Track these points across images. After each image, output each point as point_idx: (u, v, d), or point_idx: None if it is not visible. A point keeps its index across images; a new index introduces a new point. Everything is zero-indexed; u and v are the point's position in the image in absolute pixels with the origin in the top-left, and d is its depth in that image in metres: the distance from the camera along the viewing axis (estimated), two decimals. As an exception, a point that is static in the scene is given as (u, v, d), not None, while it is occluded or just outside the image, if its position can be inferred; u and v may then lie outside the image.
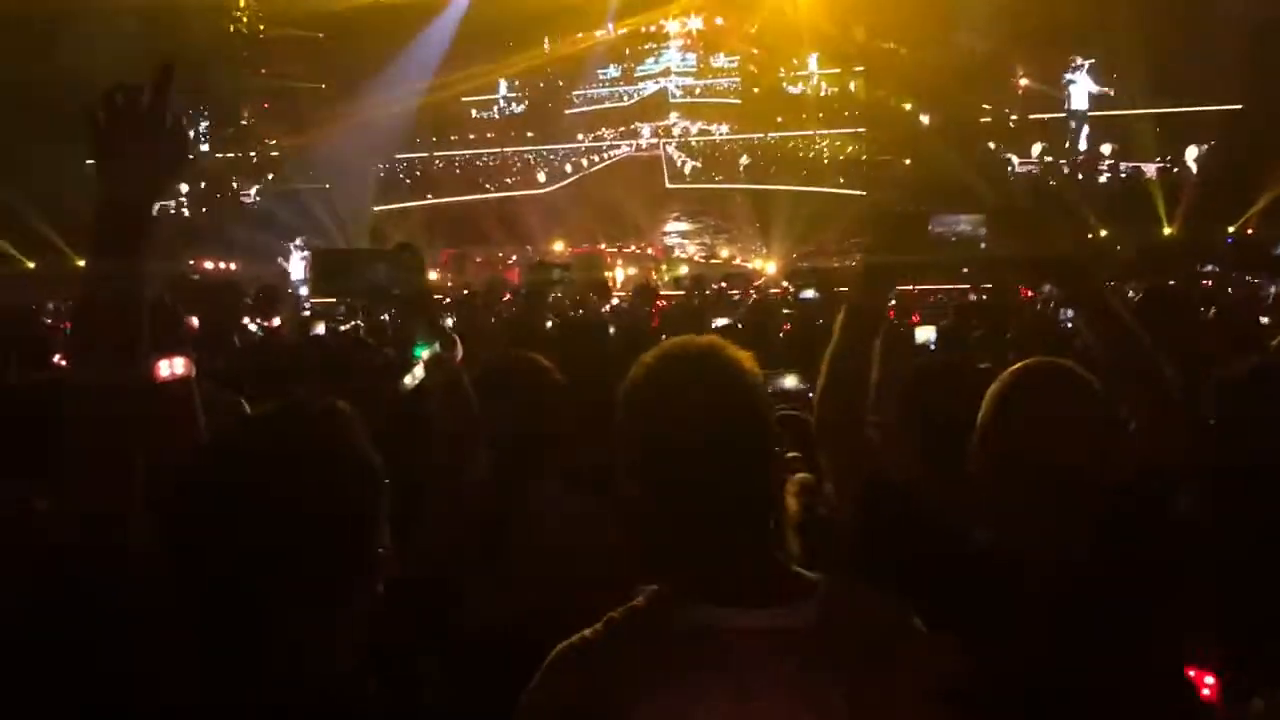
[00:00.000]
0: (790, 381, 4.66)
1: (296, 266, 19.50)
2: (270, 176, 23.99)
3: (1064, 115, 20.93)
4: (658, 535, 1.66)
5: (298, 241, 19.78)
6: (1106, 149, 20.94)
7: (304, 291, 17.53)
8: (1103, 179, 20.77)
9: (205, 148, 23.67)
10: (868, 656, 1.56)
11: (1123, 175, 20.63)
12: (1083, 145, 20.99)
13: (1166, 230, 18.63)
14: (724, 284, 14.00)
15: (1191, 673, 1.83)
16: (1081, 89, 20.64)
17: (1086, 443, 2.05)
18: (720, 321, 7.34)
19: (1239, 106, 19.40)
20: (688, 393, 1.63)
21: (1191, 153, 20.16)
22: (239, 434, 1.73)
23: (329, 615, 1.54)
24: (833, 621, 1.57)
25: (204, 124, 23.59)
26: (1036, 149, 21.30)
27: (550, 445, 2.86)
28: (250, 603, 1.52)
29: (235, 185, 24.22)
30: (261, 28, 23.53)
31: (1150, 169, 20.23)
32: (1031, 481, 2.05)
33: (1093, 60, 20.45)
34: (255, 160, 24.31)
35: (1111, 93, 20.55)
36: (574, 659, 1.59)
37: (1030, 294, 9.48)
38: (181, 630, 1.57)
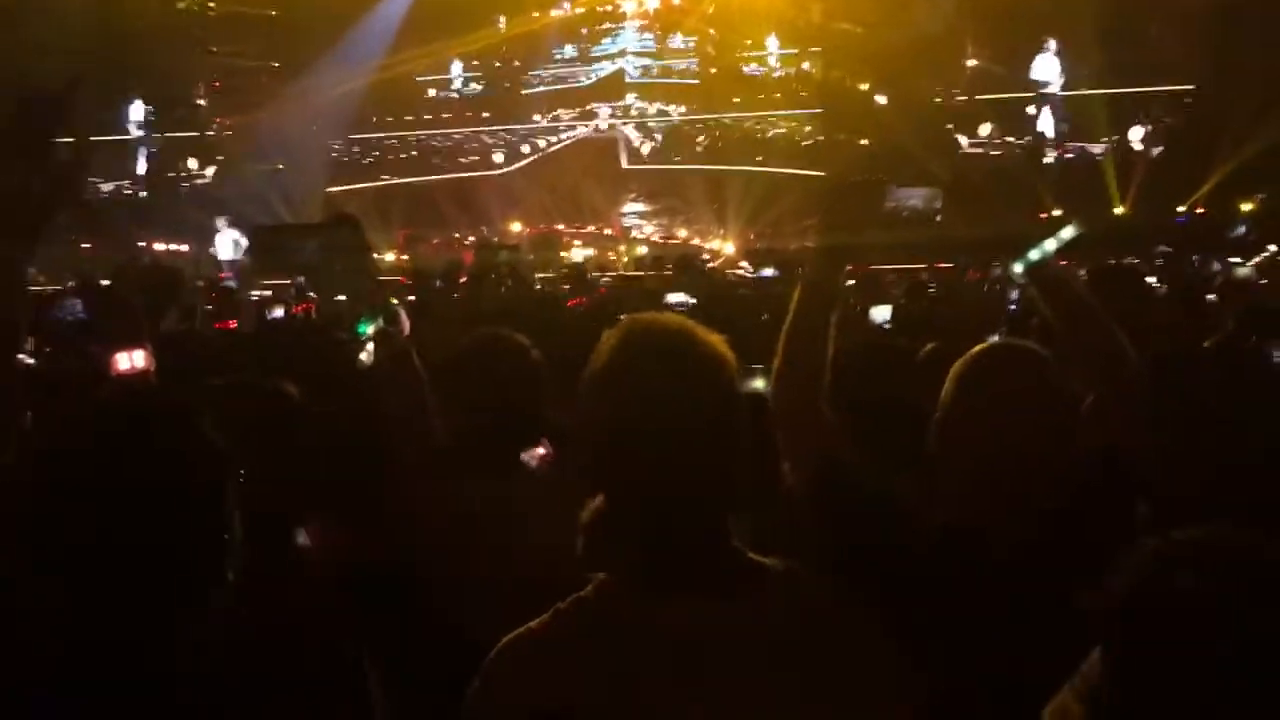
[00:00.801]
0: (760, 383, 4.61)
1: (224, 247, 18.96)
2: (221, 157, 23.58)
3: (1031, 96, 20.89)
4: (615, 519, 1.62)
5: (221, 221, 19.26)
6: (1050, 129, 21.05)
7: (229, 271, 17.25)
8: (1049, 158, 20.88)
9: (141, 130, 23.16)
10: (822, 647, 1.55)
11: (1070, 156, 20.77)
12: (1050, 126, 20.97)
13: (1118, 210, 18.84)
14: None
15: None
16: (1052, 70, 20.61)
17: (1046, 422, 2.06)
18: (676, 298, 7.28)
19: (1191, 87, 19.65)
20: (655, 375, 1.57)
21: (1136, 133, 20.33)
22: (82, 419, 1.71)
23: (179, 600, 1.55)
24: (787, 611, 1.56)
25: (147, 106, 23.10)
26: (985, 129, 21.35)
27: (537, 431, 2.79)
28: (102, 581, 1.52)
29: (187, 166, 23.82)
30: (211, 5, 23.13)
31: (1098, 148, 20.41)
32: (991, 460, 2.06)
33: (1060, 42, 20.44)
34: (207, 140, 23.90)
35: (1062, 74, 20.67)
36: (519, 653, 1.56)
37: (979, 274, 9.54)
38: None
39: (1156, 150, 19.99)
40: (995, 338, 4.13)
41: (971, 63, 21.56)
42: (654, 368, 1.58)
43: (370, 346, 2.69)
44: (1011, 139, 21.30)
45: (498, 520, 2.55)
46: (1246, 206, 17.35)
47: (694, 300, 7.21)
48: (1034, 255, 2.27)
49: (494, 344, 2.85)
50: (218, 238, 19.11)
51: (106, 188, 22.61)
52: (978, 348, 2.21)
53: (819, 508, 2.19)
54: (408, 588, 2.53)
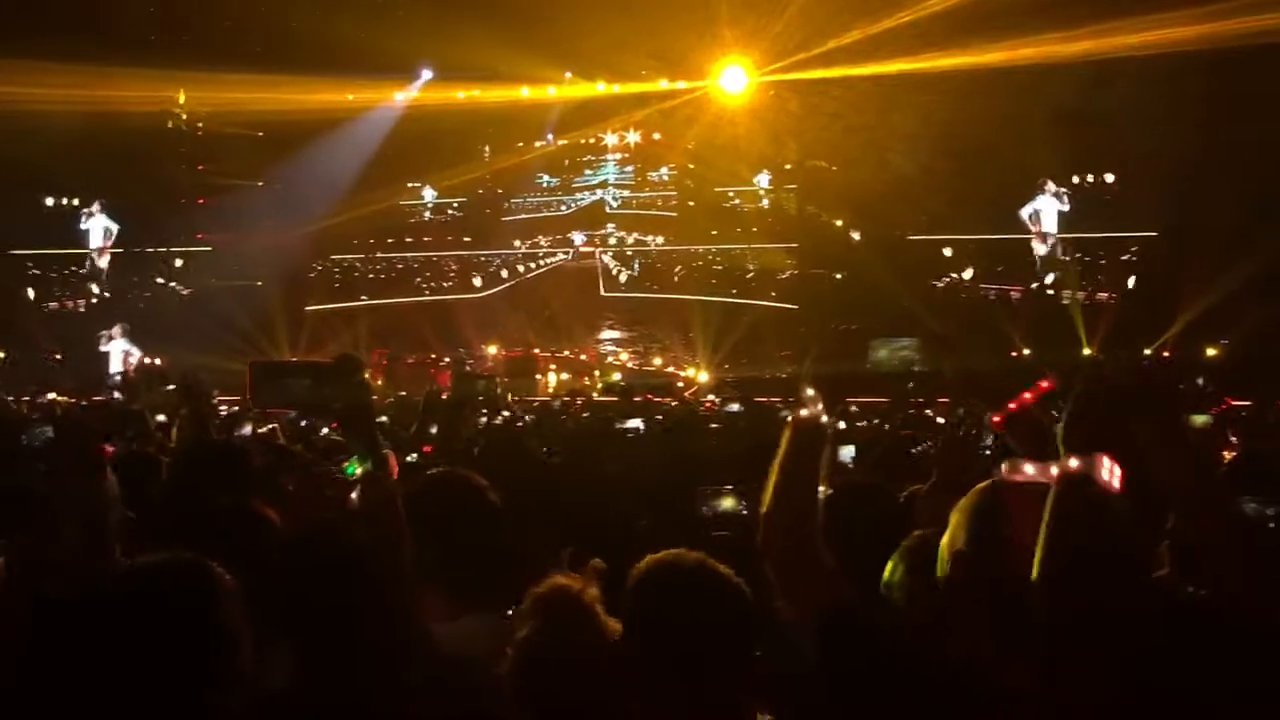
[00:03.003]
0: (728, 503, 4.57)
1: (114, 358, 18.62)
2: (200, 272, 23.67)
3: (1031, 236, 21.28)
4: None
5: (116, 329, 18.94)
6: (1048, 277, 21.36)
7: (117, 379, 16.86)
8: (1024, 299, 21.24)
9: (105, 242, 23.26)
10: None
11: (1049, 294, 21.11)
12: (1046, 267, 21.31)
13: (1086, 351, 19.11)
14: (650, 394, 14.11)
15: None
16: (1052, 212, 21.03)
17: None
18: (633, 423, 7.45)
19: (1155, 234, 20.16)
20: (685, 600, 2.22)
21: (1090, 278, 20.76)
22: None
23: None
24: None
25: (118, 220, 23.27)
26: (969, 274, 21.75)
27: (479, 576, 2.71)
28: None
29: (167, 280, 23.88)
30: (200, 125, 23.53)
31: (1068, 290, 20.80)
32: (1004, 600, 2.00)
33: (1063, 187, 20.91)
34: (187, 255, 24.01)
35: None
36: None
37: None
38: None
39: (1119, 295, 20.41)
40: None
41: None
42: (684, 592, 2.27)
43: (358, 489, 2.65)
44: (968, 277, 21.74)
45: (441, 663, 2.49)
46: (1211, 351, 17.66)
47: (644, 427, 7.39)
48: (1015, 478, 2.33)
49: (449, 485, 2.81)
50: (112, 346, 18.78)
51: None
52: (982, 485, 2.20)
53: (833, 653, 2.12)
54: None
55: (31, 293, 22.79)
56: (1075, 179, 20.87)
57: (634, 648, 2.22)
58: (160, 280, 23.80)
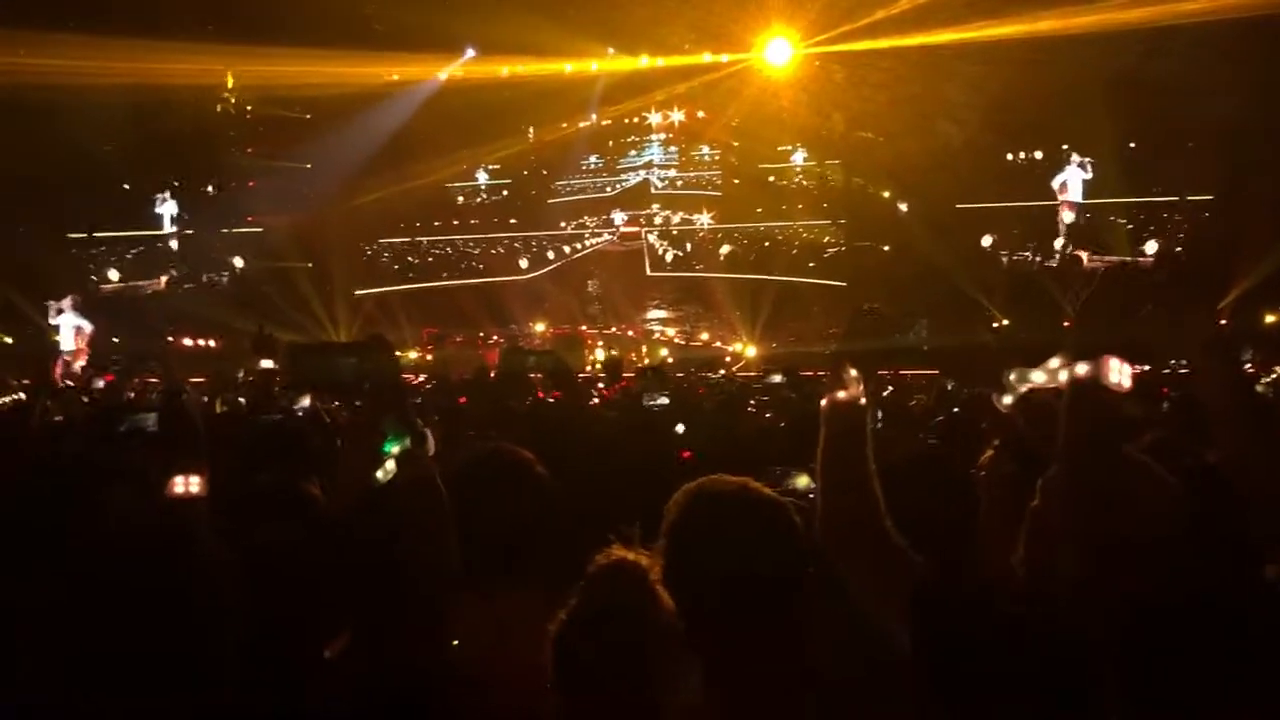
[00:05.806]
0: (803, 482, 4.43)
1: (66, 334, 17.65)
2: (251, 256, 23.88)
3: (1056, 204, 21.09)
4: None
5: (65, 302, 17.85)
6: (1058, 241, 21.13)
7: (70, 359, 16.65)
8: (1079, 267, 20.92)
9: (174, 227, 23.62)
10: None
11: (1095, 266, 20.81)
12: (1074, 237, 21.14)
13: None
14: (700, 372, 14.12)
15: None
16: (1077, 181, 20.83)
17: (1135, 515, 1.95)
18: (660, 400, 7.36)
19: (1210, 198, 19.80)
20: (730, 531, 2.01)
21: (1151, 246, 20.41)
22: None
23: None
24: None
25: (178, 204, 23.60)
26: (987, 240, 21.47)
27: (528, 552, 2.63)
28: None
29: (218, 263, 24.14)
30: (249, 108, 23.72)
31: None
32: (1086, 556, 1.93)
33: (1089, 158, 20.66)
34: (238, 238, 24.26)
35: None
36: None
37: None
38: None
39: (1171, 261, 20.08)
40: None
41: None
42: (728, 522, 2.04)
43: (389, 464, 2.63)
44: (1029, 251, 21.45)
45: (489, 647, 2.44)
46: (1270, 319, 17.32)
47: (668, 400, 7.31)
48: (1022, 389, 2.29)
49: (494, 462, 2.78)
50: (61, 319, 17.90)
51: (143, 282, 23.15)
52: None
53: (929, 636, 1.92)
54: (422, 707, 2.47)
55: (115, 274, 23.16)
56: (1129, 145, 20.48)
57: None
58: (214, 266, 24.10)
